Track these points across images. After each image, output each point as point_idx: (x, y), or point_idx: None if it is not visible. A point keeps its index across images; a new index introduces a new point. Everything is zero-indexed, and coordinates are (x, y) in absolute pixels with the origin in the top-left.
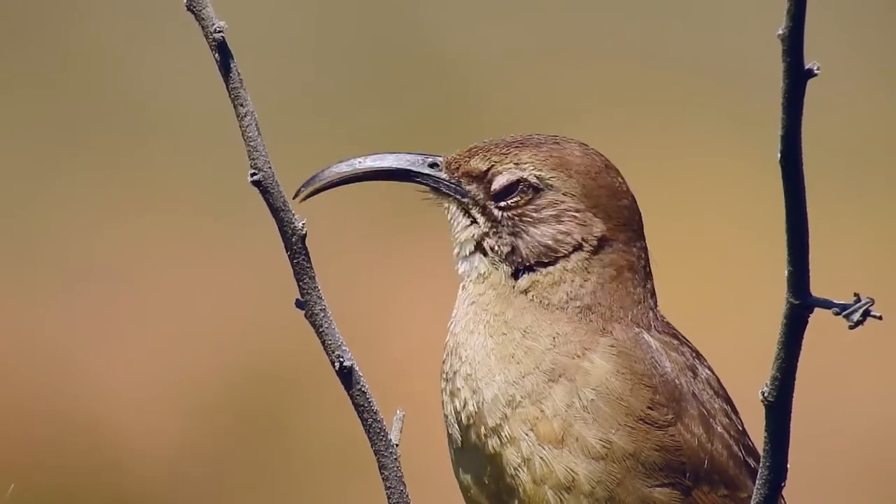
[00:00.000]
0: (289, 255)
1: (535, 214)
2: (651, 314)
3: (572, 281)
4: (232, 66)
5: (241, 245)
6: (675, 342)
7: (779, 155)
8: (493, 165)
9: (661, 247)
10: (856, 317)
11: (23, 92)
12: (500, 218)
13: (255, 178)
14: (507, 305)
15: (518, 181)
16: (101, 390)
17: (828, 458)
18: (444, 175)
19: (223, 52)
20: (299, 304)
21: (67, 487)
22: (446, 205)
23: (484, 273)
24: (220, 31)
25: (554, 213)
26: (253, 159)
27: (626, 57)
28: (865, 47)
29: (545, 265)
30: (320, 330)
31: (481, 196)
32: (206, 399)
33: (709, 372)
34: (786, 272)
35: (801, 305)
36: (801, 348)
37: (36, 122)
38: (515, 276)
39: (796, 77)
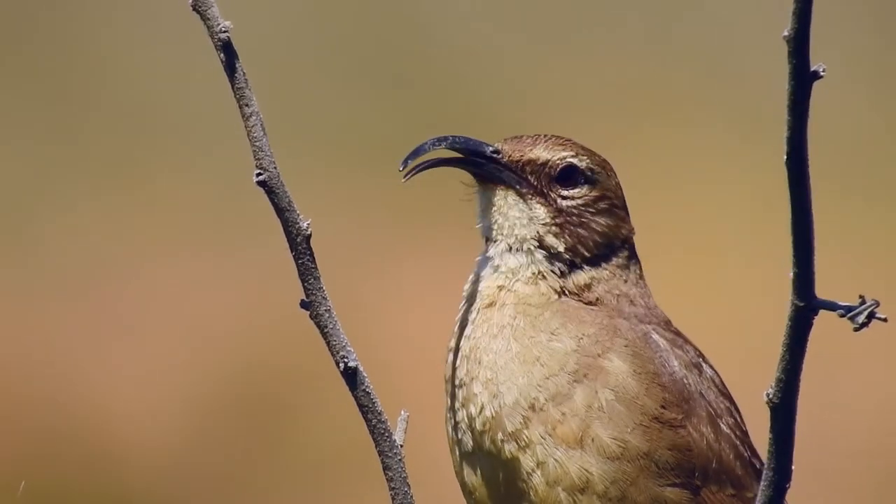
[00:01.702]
0: (294, 256)
1: (595, 206)
2: (656, 312)
3: (620, 277)
4: (237, 66)
5: (245, 246)
6: (680, 339)
7: (784, 156)
8: (555, 156)
9: (665, 246)
10: (861, 319)
11: (26, 93)
12: (565, 208)
13: (261, 178)
14: (546, 307)
15: (581, 173)
16: (102, 391)
17: (832, 459)
18: (506, 161)
19: (228, 53)
20: (304, 305)
21: (69, 487)
22: (501, 193)
23: (542, 271)
24: (225, 31)
25: (606, 206)
26: (258, 159)
27: (629, 55)
28: (865, 50)
29: (600, 261)
30: (325, 330)
31: (543, 186)
32: (209, 399)
33: (712, 371)
34: (791, 274)
35: (805, 307)
36: (806, 350)
37: (39, 123)
38: (570, 272)
39: (802, 79)
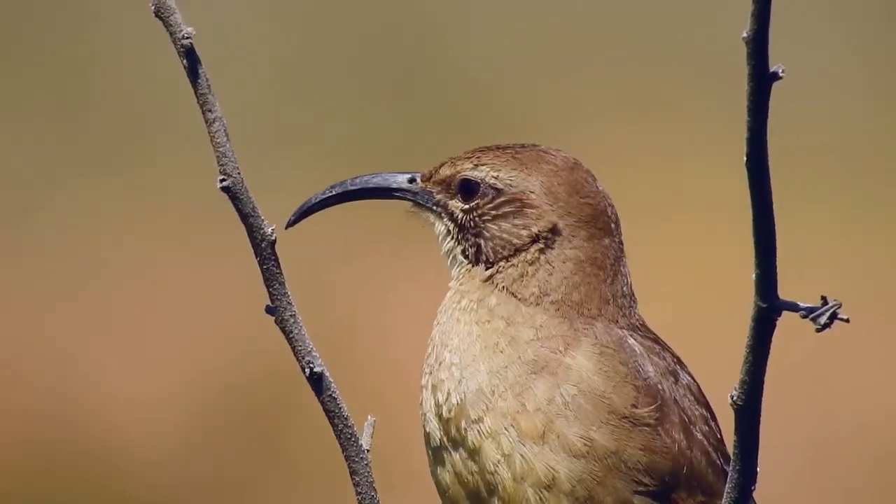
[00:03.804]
0: (258, 261)
1: (494, 212)
2: (628, 315)
3: (535, 273)
4: (200, 72)
5: (238, 248)
6: (657, 347)
7: (745, 158)
8: (456, 171)
9: (650, 246)
10: (823, 319)
11: (27, 94)
12: (462, 221)
13: (225, 184)
14: (488, 294)
15: (477, 183)
16: (100, 392)
17: (802, 461)
18: (417, 187)
19: (191, 59)
20: (269, 310)
21: (68, 488)
22: (426, 216)
23: (469, 270)
24: (188, 38)
25: (512, 209)
26: (222, 165)
27: (631, 61)
28: (850, 47)
29: (508, 258)
30: (290, 336)
31: (447, 202)
32: (206, 401)
33: (689, 378)
34: (753, 275)
35: (768, 308)
36: (770, 351)
37: (38, 125)
38: (489, 273)
39: (761, 80)
